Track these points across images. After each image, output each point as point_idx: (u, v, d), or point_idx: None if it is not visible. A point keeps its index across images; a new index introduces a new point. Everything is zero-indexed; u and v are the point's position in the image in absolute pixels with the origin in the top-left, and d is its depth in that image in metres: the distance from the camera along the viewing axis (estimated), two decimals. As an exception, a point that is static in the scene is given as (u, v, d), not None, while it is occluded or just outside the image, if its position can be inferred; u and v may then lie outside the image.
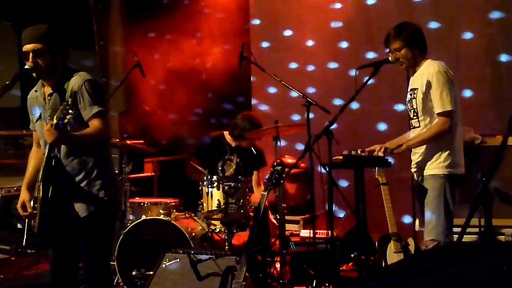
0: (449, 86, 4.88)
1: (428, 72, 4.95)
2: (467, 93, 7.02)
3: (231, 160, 6.54)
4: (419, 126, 5.02)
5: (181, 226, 5.80)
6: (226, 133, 6.71)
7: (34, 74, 4.17)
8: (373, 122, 7.61)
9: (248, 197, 5.89)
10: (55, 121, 3.93)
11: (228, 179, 5.86)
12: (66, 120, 3.94)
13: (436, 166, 4.93)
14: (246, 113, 6.68)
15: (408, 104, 5.12)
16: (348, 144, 5.61)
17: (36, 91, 4.35)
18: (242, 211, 5.79)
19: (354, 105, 7.36)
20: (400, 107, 7.11)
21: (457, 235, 5.12)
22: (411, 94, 5.07)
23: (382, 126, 7.56)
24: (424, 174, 4.99)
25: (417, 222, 5.32)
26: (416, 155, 5.08)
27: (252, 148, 6.61)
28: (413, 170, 5.16)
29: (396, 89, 6.81)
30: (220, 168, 6.38)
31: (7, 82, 4.11)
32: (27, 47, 4.14)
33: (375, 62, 4.96)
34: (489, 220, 3.08)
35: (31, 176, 4.39)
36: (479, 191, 3.05)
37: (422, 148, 5.00)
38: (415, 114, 5.04)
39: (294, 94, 6.10)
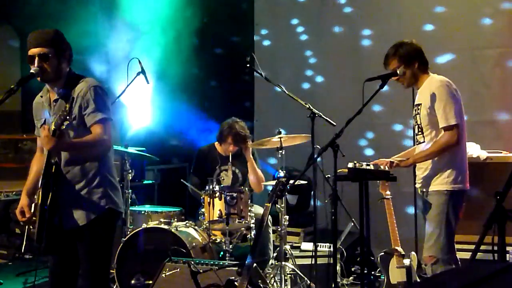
0: (453, 100, 4.86)
1: (430, 87, 4.92)
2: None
3: (226, 170, 6.49)
4: (424, 141, 4.99)
5: (181, 236, 5.75)
6: (216, 143, 6.66)
7: (39, 79, 4.10)
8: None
9: (249, 208, 5.84)
10: (52, 127, 3.86)
11: (230, 189, 5.80)
12: (64, 127, 3.87)
13: (440, 182, 4.90)
14: (230, 119, 6.57)
15: (413, 120, 5.11)
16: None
17: (41, 96, 4.30)
18: (243, 222, 5.75)
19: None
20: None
21: (460, 252, 5.09)
22: (415, 110, 5.05)
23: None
24: (429, 190, 4.95)
25: None
26: (421, 170, 5.04)
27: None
28: (417, 185, 5.12)
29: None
30: (215, 179, 6.31)
31: (12, 86, 4.03)
32: (33, 51, 4.08)
33: (383, 75, 4.93)
34: (502, 239, 3.02)
35: (32, 182, 4.32)
36: (493, 209, 2.99)
37: (427, 164, 4.97)
38: (419, 129, 5.02)
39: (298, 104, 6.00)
